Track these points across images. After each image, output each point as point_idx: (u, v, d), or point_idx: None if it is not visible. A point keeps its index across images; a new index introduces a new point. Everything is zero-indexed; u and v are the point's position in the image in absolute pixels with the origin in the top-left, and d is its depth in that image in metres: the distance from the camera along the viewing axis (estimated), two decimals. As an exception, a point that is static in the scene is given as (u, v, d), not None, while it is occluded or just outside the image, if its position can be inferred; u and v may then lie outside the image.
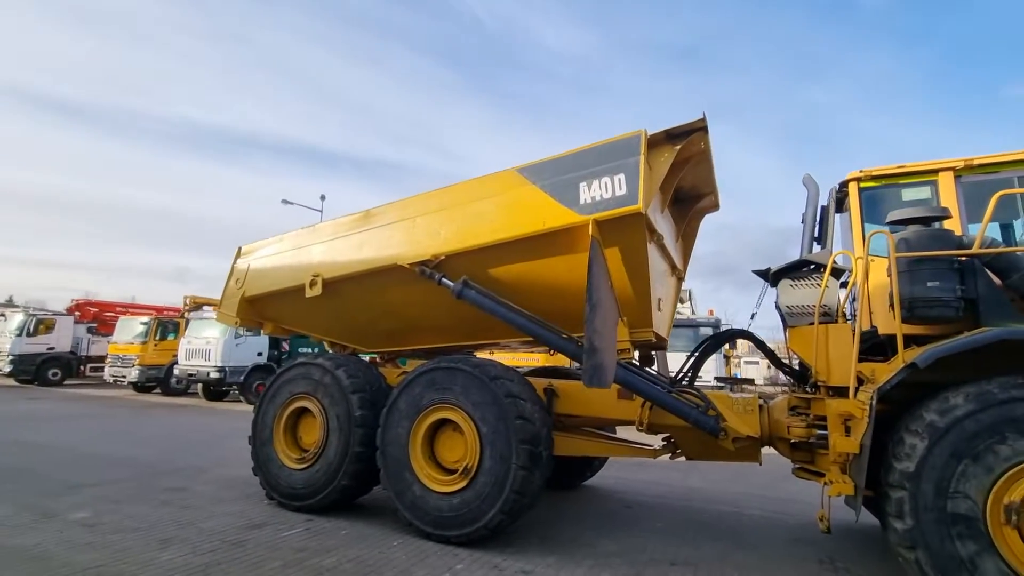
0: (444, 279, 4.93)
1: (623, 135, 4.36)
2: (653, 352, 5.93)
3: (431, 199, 5.26)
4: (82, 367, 22.66)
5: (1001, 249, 3.43)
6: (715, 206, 5.75)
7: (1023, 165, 3.78)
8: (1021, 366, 3.16)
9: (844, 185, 4.40)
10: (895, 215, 3.69)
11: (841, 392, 4.10)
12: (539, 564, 4.14)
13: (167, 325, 19.09)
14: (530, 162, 4.79)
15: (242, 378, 16.00)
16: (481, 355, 14.50)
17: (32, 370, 20.48)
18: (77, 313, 23.65)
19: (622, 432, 6.04)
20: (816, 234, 5.17)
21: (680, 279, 6.02)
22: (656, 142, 4.46)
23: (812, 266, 4.49)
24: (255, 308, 6.59)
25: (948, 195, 3.95)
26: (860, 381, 3.95)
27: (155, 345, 18.51)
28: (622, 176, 4.22)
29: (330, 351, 6.71)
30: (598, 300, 4.00)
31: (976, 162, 3.88)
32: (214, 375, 15.69)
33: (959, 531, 2.99)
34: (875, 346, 4.04)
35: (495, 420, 4.45)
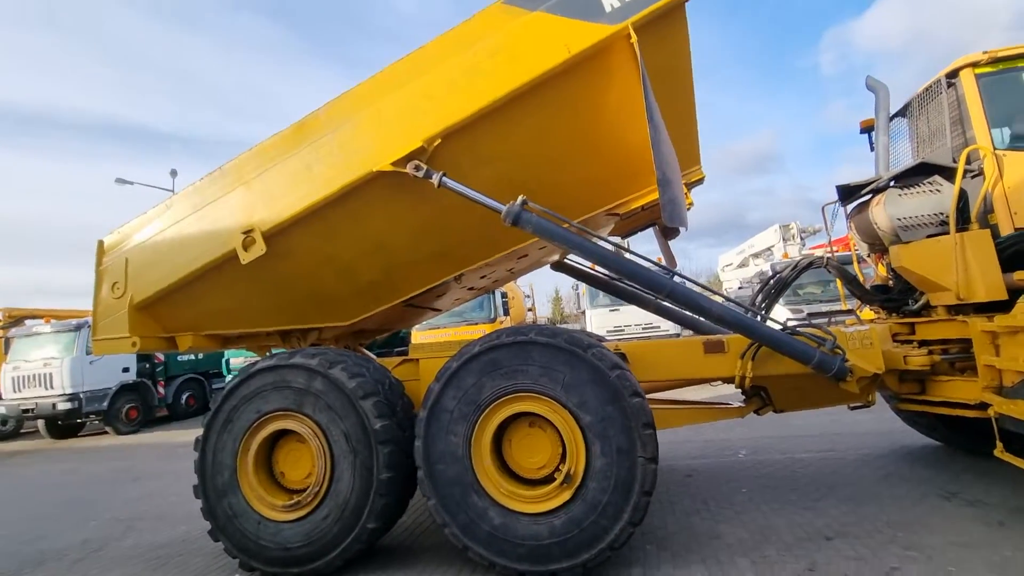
0: (442, 180, 3.51)
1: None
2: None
3: (397, 71, 3.67)
4: None
5: None
6: None
7: None
8: None
9: (952, 75, 3.81)
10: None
11: (985, 309, 3.60)
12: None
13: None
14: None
15: (106, 404, 12.51)
16: (424, 334, 12.85)
17: None
18: None
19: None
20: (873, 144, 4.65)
21: None
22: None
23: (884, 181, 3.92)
24: (156, 317, 4.39)
25: (1075, 76, 3.53)
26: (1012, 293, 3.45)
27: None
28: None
29: (276, 351, 4.88)
30: (658, 122, 3.18)
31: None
32: (63, 406, 12.00)
33: None
34: (1013, 256, 3.54)
35: (602, 404, 3.26)
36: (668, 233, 5.07)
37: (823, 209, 5.06)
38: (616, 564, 3.36)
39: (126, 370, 13.12)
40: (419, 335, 13.05)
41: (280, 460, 3.90)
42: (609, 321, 13.44)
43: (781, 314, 11.89)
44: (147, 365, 13.73)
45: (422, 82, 3.55)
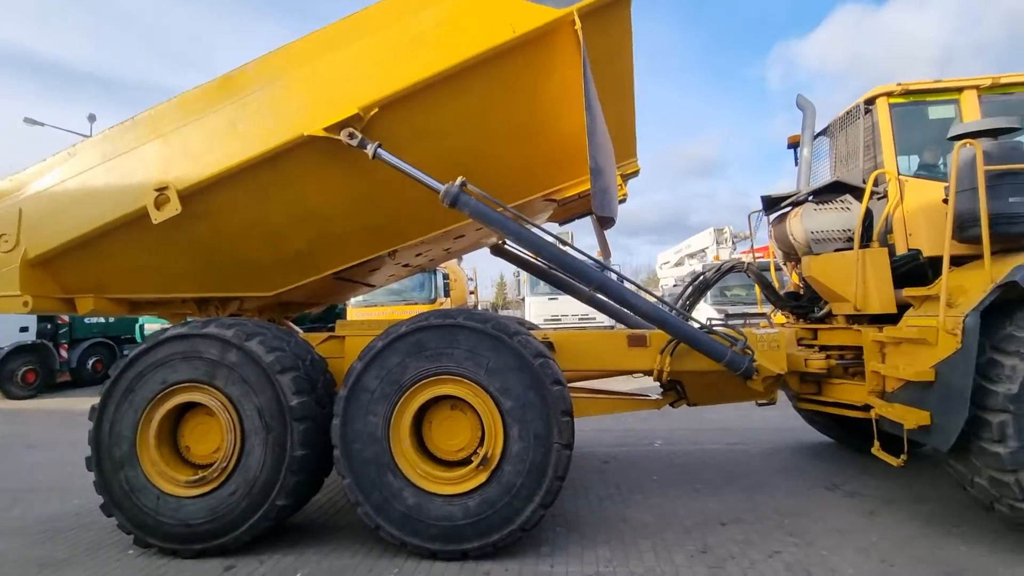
0: (377, 151, 3.40)
1: None
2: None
3: (336, 32, 3.50)
4: None
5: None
6: None
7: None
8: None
9: (870, 102, 4.10)
10: (965, 127, 3.45)
11: (877, 320, 3.94)
12: (597, 560, 3.27)
13: None
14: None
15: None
16: (365, 313, 12.47)
17: None
18: None
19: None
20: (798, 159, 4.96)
21: None
22: None
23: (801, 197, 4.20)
24: (54, 275, 3.99)
25: (971, 113, 3.89)
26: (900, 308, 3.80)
27: None
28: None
29: (192, 319, 4.61)
30: (597, 110, 3.24)
31: (1003, 81, 3.86)
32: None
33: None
34: (906, 274, 3.89)
35: (523, 389, 3.32)
36: (603, 223, 5.18)
37: (749, 217, 5.35)
38: (526, 544, 3.46)
39: (24, 329, 11.94)
40: (355, 311, 12.72)
41: (186, 434, 3.71)
42: (548, 310, 13.66)
43: (708, 313, 12.55)
44: (49, 326, 12.57)
45: (362, 46, 3.41)
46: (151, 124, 3.70)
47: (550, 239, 3.88)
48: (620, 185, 4.06)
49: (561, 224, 5.47)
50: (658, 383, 4.38)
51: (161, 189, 3.60)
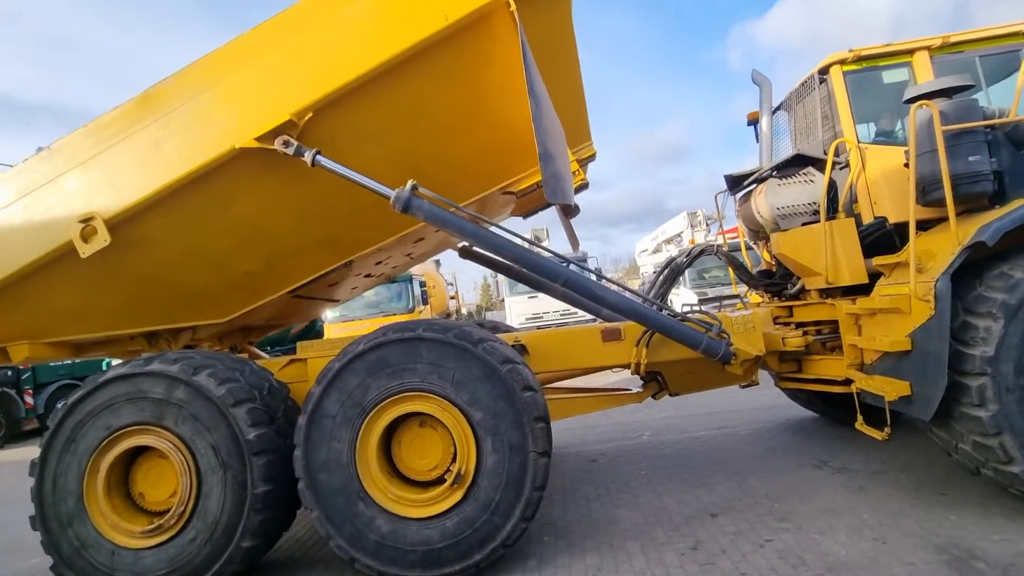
0: (316, 158, 3.19)
1: None
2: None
3: (260, 36, 3.25)
4: None
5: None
6: None
7: (993, 42, 3.81)
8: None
9: (824, 71, 4.02)
10: (919, 89, 3.38)
11: (850, 292, 3.87)
12: (586, 569, 3.13)
13: None
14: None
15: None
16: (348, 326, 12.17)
17: None
18: None
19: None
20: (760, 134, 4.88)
21: None
22: None
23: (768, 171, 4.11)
24: None
25: (925, 75, 3.84)
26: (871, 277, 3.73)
27: None
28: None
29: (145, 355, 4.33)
30: (541, 94, 3.09)
31: (953, 39, 3.81)
32: None
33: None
34: (874, 243, 3.82)
35: (493, 399, 3.15)
36: (567, 211, 5.04)
37: (715, 198, 5.26)
38: (511, 559, 3.30)
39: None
40: (332, 328, 12.44)
41: (139, 480, 3.45)
42: (528, 308, 13.52)
43: (687, 297, 12.55)
44: (9, 372, 12.00)
45: (289, 48, 3.20)
46: (68, 152, 3.42)
47: (510, 237, 3.72)
48: (577, 171, 3.92)
49: (525, 217, 5.31)
50: (638, 376, 4.26)
51: (86, 220, 3.33)
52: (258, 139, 3.15)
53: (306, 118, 3.19)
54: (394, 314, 12.41)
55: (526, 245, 3.94)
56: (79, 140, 3.43)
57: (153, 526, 3.25)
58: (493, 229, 3.87)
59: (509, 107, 3.49)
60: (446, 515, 3.12)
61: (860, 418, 3.65)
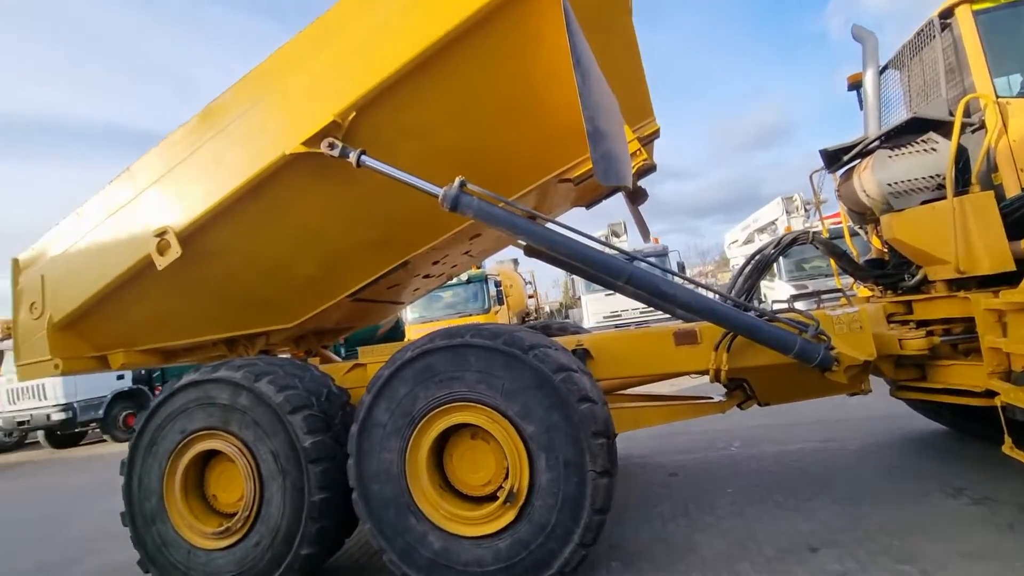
0: (361, 158, 3.10)
1: None
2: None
3: (303, 41, 3.23)
4: None
5: None
6: None
7: None
8: None
9: (946, 15, 3.30)
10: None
11: (989, 283, 3.14)
12: (653, 607, 2.77)
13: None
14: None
15: (101, 412, 12.44)
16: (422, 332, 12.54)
17: None
18: None
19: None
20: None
21: None
22: None
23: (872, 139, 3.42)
24: (82, 335, 4.04)
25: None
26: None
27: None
28: None
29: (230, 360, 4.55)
30: (588, 66, 2.78)
31: None
32: (58, 416, 11.96)
33: None
34: (1021, 220, 3.05)
35: (545, 411, 2.88)
36: (634, 197, 4.62)
37: (811, 177, 4.58)
38: (574, 587, 3.01)
39: (120, 377, 13.00)
40: (412, 329, 12.77)
41: (212, 482, 3.60)
42: (606, 306, 12.94)
43: (784, 291, 11.32)
44: (143, 371, 13.63)
45: (329, 51, 3.16)
46: (144, 171, 3.65)
47: (566, 232, 3.42)
48: (638, 150, 3.53)
49: (588, 208, 4.95)
50: (719, 383, 3.78)
51: (161, 234, 3.52)
52: (305, 143, 3.14)
53: (350, 118, 3.12)
54: (470, 315, 12.49)
55: (586, 241, 3.61)
56: (153, 159, 3.65)
57: (223, 528, 3.36)
58: (550, 225, 3.60)
59: (562, 87, 3.20)
60: (499, 535, 2.90)
61: (1008, 440, 2.93)
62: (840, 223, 5.71)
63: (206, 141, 3.44)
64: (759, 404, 3.99)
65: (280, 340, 4.78)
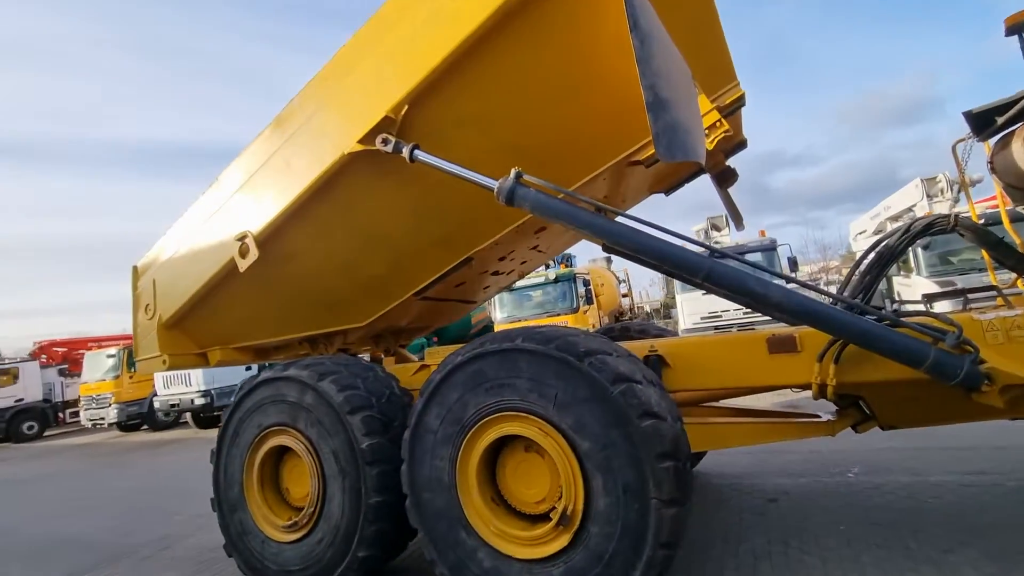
0: (414, 153, 3.03)
1: None
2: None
3: (360, 40, 3.22)
4: (60, 414, 20.62)
5: None
6: None
7: None
8: None
9: None
10: None
11: None
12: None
13: (139, 354, 17.01)
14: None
15: (233, 398, 14.04)
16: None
17: (2, 428, 18.43)
18: (43, 357, 21.47)
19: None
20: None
21: None
22: None
23: None
24: (188, 333, 4.48)
25: None
26: None
27: (130, 378, 16.48)
28: None
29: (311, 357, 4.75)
30: (647, 29, 2.42)
31: None
32: (199, 401, 13.74)
33: None
34: None
35: (603, 426, 2.57)
36: (721, 180, 4.06)
37: (953, 148, 3.70)
38: (638, 626, 2.66)
39: (248, 368, 14.56)
40: (499, 328, 12.80)
41: (285, 476, 3.75)
42: (703, 307, 11.87)
43: (924, 287, 9.55)
44: (248, 367, 15.17)
45: (382, 48, 3.11)
46: (228, 181, 3.90)
47: (634, 224, 3.05)
48: (717, 121, 3.06)
49: (667, 194, 4.46)
50: (826, 400, 3.17)
51: (241, 238, 3.74)
52: (361, 141, 3.13)
53: (402, 112, 3.05)
54: (558, 314, 12.23)
55: (657, 234, 3.20)
56: (235, 169, 3.88)
57: (291, 522, 3.47)
58: (619, 218, 3.25)
59: (623, 58, 2.87)
60: (552, 560, 2.64)
61: None
62: (997, 207, 4.61)
63: (278, 148, 3.58)
64: (880, 427, 3.31)
65: (356, 339, 4.91)
